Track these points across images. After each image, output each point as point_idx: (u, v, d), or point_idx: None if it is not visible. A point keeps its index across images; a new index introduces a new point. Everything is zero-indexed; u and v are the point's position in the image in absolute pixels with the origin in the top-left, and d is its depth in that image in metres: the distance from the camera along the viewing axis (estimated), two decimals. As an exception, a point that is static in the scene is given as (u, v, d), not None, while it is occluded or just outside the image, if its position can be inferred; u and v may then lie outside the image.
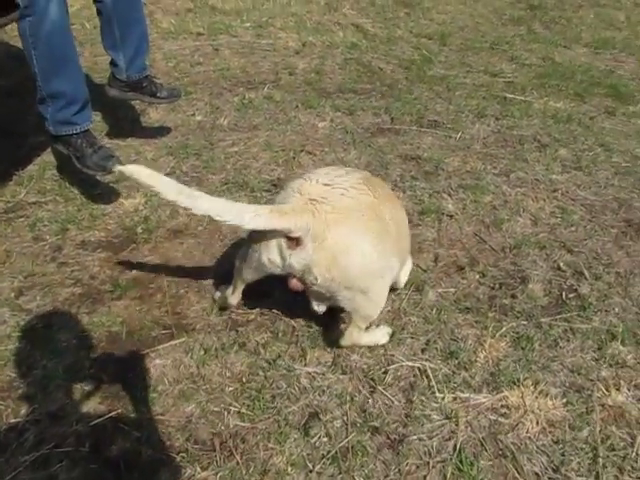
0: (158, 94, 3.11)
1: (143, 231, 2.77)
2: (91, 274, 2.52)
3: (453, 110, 3.96)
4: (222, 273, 2.54)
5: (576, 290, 2.50)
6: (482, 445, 1.89)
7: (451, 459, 1.85)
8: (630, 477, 1.82)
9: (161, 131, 3.60)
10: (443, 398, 2.00)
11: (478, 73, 4.61)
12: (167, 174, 3.13)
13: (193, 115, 3.82)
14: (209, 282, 2.50)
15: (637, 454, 1.88)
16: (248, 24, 5.39)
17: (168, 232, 2.79)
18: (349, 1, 6.06)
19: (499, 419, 1.97)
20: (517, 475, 1.82)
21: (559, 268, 2.61)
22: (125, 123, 3.61)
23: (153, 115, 3.75)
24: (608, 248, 2.76)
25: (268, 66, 4.58)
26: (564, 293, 2.49)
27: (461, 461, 1.83)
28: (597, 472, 1.82)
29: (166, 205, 2.92)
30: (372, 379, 2.07)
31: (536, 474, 1.83)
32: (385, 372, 2.09)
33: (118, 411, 1.97)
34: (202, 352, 2.17)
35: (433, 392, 2.02)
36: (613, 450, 1.89)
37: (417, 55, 4.88)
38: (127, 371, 2.11)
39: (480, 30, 5.57)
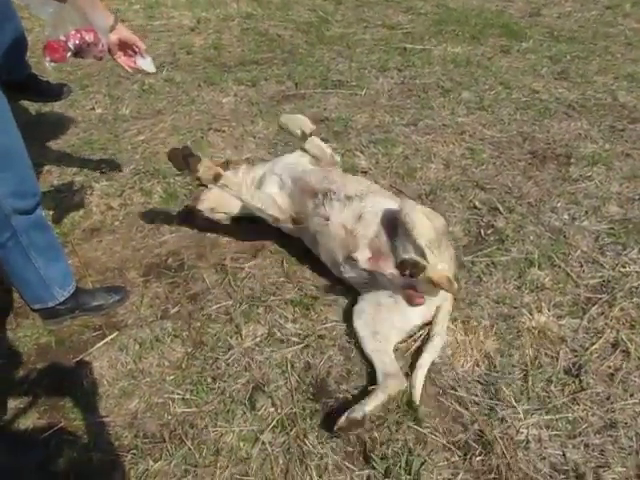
0: (46, 93, 2.98)
1: (57, 235, 2.66)
2: (7, 288, 2.43)
3: (356, 67, 3.99)
4: (146, 265, 2.51)
5: (493, 225, 2.61)
6: (423, 389, 1.97)
7: (398, 406, 1.92)
8: (556, 387, 1.95)
9: (60, 129, 3.46)
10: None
11: (376, 27, 4.66)
12: (74, 174, 3.04)
13: (93, 109, 3.69)
14: (134, 275, 2.46)
15: (561, 366, 2.02)
16: (137, 6, 5.21)
17: (84, 232, 2.71)
18: (239, -30, 5.95)
19: (435, 360, 2.05)
20: (458, 407, 1.92)
21: (475, 207, 2.72)
22: (19, 124, 3.43)
23: (49, 114, 3.59)
24: (518, 181, 2.89)
25: (164, 47, 4.47)
26: (482, 230, 2.59)
27: (406, 409, 1.90)
28: (528, 390, 1.95)
29: (77, 205, 2.84)
30: (307, 345, 2.11)
31: (475, 403, 1.93)
32: (321, 336, 2.13)
33: (61, 423, 1.93)
34: (137, 346, 2.15)
35: (369, 345, 2.08)
36: (541, 367, 2.02)
37: (314, 17, 4.87)
38: (62, 380, 2.06)
39: (373, -16, 5.59)
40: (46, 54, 1.91)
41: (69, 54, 1.92)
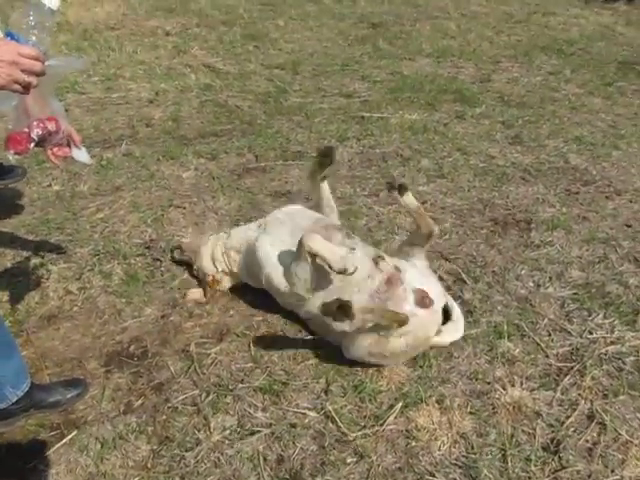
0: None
1: (11, 324, 2.55)
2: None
3: (315, 138, 4.05)
4: (107, 353, 2.40)
5: (460, 297, 2.61)
6: (401, 473, 1.91)
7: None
8: (536, 466, 1.92)
9: (15, 208, 3.36)
10: (354, 439, 2.00)
11: (333, 96, 4.76)
12: (29, 256, 2.93)
13: (49, 186, 3.61)
14: (94, 366, 2.35)
15: (539, 443, 1.99)
16: (95, 78, 5.22)
17: (40, 319, 2.59)
18: (197, 41, 6.07)
19: (411, 443, 2.00)
20: (438, 495, 1.86)
21: (441, 278, 2.70)
22: (-29, 206, 3.34)
23: (2, 191, 3.49)
24: (481, 249, 2.92)
25: (123, 120, 4.46)
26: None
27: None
28: (508, 471, 1.90)
29: (33, 290, 2.73)
30: (279, 436, 2.03)
31: (455, 488, 1.87)
32: (292, 425, 2.06)
33: None
34: (98, 446, 2.02)
35: (344, 433, 2.02)
36: (519, 445, 1.99)
37: (272, 87, 4.96)
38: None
39: (329, 53, 5.77)
40: (10, 147, 1.88)
41: (32, 145, 1.89)
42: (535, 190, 3.41)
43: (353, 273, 2.15)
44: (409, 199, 2.34)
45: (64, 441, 2.05)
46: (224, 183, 3.53)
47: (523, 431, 2.04)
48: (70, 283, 2.77)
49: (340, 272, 2.14)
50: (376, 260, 2.27)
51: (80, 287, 2.75)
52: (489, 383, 2.21)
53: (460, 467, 1.93)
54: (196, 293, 2.65)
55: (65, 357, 2.40)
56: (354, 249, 2.29)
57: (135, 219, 3.21)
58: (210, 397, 2.17)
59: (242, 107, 4.59)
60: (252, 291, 2.60)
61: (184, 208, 3.29)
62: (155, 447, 2.02)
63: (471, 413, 2.10)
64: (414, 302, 2.16)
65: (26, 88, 1.40)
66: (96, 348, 2.43)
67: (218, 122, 4.35)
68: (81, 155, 2.07)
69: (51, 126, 1.89)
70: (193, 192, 3.45)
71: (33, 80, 1.39)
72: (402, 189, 2.34)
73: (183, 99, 4.76)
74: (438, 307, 2.24)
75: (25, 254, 2.97)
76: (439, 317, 2.26)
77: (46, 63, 1.42)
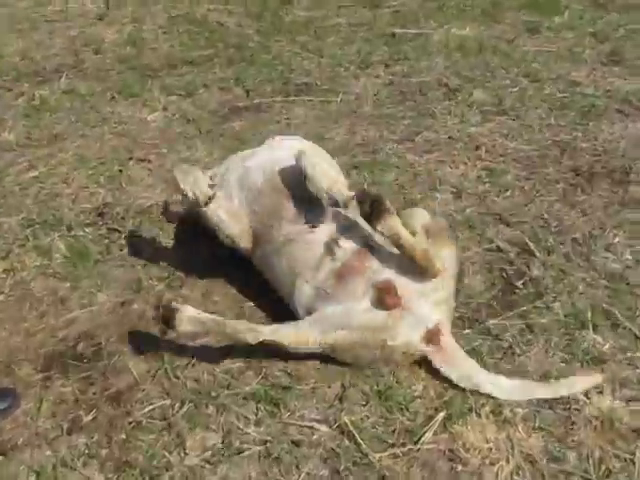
0: None
1: None
2: None
3: (327, 64, 4.08)
4: (46, 355, 2.47)
5: (525, 273, 2.64)
6: None
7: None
8: (635, 504, 1.95)
9: None
10: (379, 460, 2.06)
11: (353, 7, 4.77)
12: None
13: (-42, 135, 3.69)
14: (28, 371, 2.42)
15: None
16: (20, -15, 5.27)
17: (-48, 314, 2.68)
18: None
19: (457, 468, 2.04)
20: (495, 537, 1.91)
21: (499, 249, 2.75)
22: None
23: None
24: (557, 210, 2.95)
25: (62, 44, 4.51)
26: (511, 281, 2.62)
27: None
28: (594, 507, 1.94)
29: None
30: (278, 457, 2.09)
31: (521, 529, 1.93)
32: (296, 443, 2.12)
33: None
34: (32, 477, 2.09)
35: (365, 454, 2.08)
36: (610, 474, 1.99)
37: (268, -4, 4.99)
38: None
39: (346, -52, 5.76)
40: None
41: None
42: (638, 128, 3.40)
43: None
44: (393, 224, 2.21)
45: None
46: (203, 127, 3.59)
47: (616, 455, 2.05)
48: (-7, 263, 2.86)
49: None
50: (330, 245, 2.30)
51: (7, 269, 2.84)
52: (566, 389, 2.24)
53: (527, 501, 1.98)
54: None
55: (-12, 361, 2.48)
56: (315, 227, 2.37)
57: (82, 178, 3.28)
58: (185, 408, 2.24)
59: (227, 25, 4.63)
60: (242, 269, 2.65)
61: (149, 162, 3.35)
62: (110, 475, 2.07)
63: (541, 429, 2.13)
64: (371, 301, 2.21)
65: None
66: (30, 348, 2.51)
67: (194, 46, 4.40)
68: None
69: None
70: (162, 140, 3.52)
71: None
72: (380, 209, 2.17)
73: (144, 14, 4.80)
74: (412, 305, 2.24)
75: None
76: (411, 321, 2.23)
77: None
